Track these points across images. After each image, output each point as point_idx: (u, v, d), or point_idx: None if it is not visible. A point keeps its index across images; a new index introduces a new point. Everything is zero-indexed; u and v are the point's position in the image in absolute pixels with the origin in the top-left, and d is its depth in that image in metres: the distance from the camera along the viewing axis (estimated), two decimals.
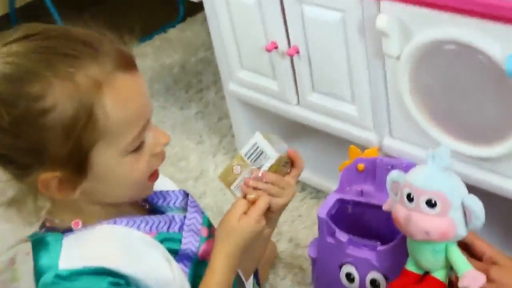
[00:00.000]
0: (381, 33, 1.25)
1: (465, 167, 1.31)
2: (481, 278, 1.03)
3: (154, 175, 1.00)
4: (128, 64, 0.92)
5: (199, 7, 1.74)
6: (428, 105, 1.31)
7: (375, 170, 1.41)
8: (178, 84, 2.29)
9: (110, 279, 0.93)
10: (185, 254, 1.04)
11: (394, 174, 1.13)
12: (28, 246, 1.61)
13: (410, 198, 1.07)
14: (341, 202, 1.40)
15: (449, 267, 1.10)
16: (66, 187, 0.92)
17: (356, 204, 1.40)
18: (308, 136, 1.81)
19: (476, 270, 1.04)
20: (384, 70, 1.34)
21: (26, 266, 1.59)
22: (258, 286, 1.30)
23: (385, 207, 1.17)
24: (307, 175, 1.70)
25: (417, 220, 1.06)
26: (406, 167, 1.38)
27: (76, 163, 0.90)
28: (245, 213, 1.04)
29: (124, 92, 0.90)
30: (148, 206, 1.09)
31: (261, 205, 1.05)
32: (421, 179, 1.07)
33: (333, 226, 1.30)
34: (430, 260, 1.10)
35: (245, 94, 1.68)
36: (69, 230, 0.97)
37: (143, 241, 0.99)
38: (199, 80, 2.29)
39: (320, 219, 1.32)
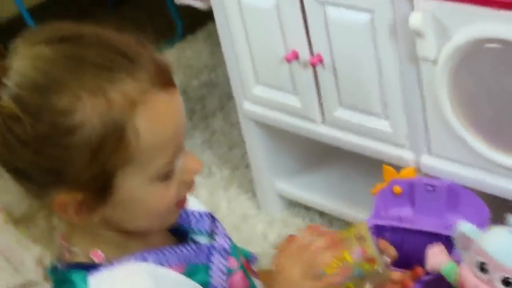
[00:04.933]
0: (415, 33, 1.34)
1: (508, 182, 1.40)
2: None
3: (181, 202, 1.05)
4: (166, 81, 0.96)
5: (200, 22, 1.80)
6: (471, 114, 1.40)
7: (413, 192, 1.48)
8: None
9: None
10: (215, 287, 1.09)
11: (465, 228, 1.15)
12: None
13: (483, 268, 1.10)
14: (378, 229, 1.47)
15: None
16: (85, 211, 0.96)
17: (395, 230, 1.46)
18: (334, 160, 1.90)
19: None
20: (419, 76, 1.43)
21: None
22: None
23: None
24: (334, 205, 1.79)
25: None
26: (449, 188, 1.46)
27: (99, 187, 0.94)
28: None
29: (160, 113, 0.94)
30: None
31: None
32: (501, 253, 1.08)
33: None
34: None
35: (262, 113, 1.77)
36: (92, 265, 1.02)
37: (178, 283, 1.04)
38: (203, 106, 2.39)
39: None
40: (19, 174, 0.96)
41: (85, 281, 1.00)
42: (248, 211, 1.96)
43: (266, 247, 1.84)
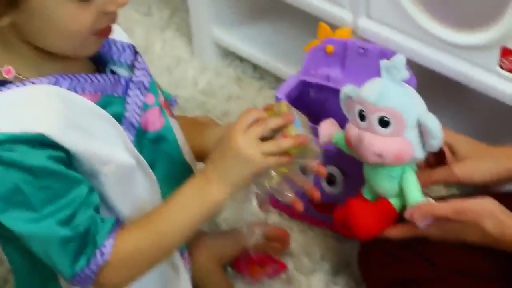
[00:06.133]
0: None
1: (444, 56, 1.43)
2: (429, 217, 1.12)
3: (103, 32, 1.05)
4: None
5: None
6: None
7: (345, 53, 1.51)
8: None
9: (50, 151, 0.98)
10: (130, 122, 1.11)
11: (348, 89, 1.20)
12: None
13: (362, 116, 1.15)
14: (304, 85, 1.50)
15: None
16: None
17: (321, 88, 1.50)
18: (275, 15, 1.90)
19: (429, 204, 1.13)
20: None
21: None
22: None
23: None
24: (269, 59, 1.80)
25: (369, 141, 1.14)
26: (381, 54, 1.48)
27: None
28: None
29: None
30: None
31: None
32: (373, 95, 1.13)
33: None
34: (386, 186, 1.19)
35: None
36: (1, 82, 1.02)
37: (89, 111, 1.05)
38: None
39: (277, 101, 1.41)
40: None
41: None
42: (181, 55, 1.97)
43: (195, 93, 1.86)
